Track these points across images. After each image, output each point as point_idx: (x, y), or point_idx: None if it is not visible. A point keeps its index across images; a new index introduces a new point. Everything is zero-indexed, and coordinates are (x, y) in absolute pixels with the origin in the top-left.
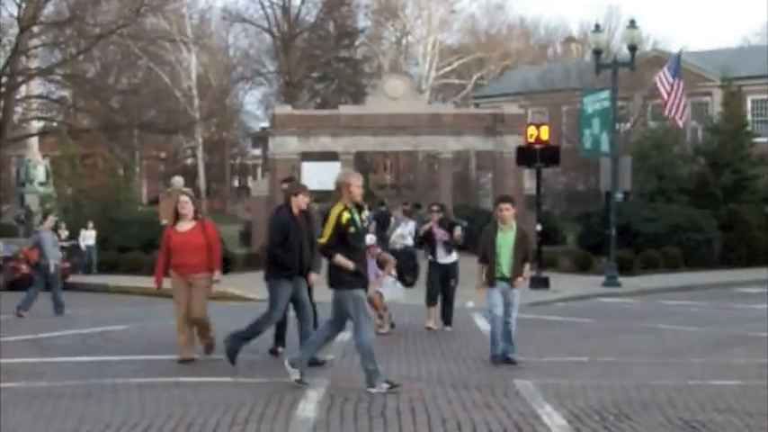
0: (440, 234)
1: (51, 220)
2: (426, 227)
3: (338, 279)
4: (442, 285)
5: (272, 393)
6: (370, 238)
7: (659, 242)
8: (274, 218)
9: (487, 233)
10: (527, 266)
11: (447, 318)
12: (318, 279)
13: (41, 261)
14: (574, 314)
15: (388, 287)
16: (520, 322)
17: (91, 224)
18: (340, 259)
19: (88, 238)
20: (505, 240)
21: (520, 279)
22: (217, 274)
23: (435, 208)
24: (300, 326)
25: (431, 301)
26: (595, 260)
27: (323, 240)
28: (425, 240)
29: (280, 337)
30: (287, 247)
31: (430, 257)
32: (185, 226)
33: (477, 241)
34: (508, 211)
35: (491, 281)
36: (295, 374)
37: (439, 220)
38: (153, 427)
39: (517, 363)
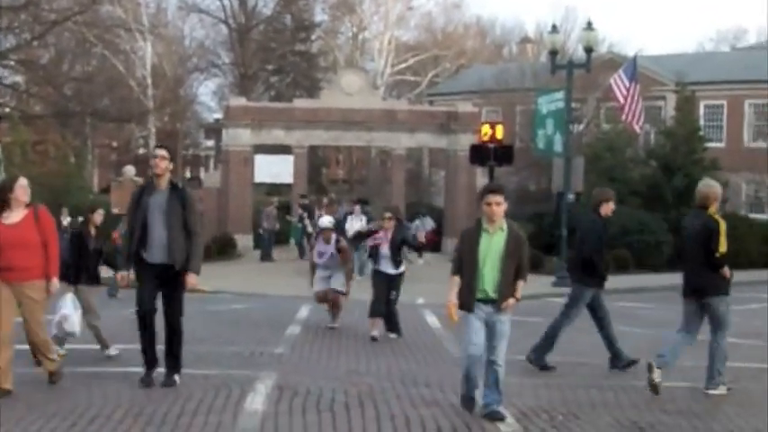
0: (384, 250)
1: None
2: (374, 242)
3: (722, 285)
4: (387, 296)
5: (221, 386)
6: (329, 221)
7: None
8: (590, 223)
9: (467, 235)
10: (521, 284)
11: (393, 325)
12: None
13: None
14: (523, 313)
15: (338, 280)
16: None
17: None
18: (727, 269)
19: None
20: (492, 246)
21: (511, 301)
22: (54, 282)
23: (388, 215)
24: (604, 328)
25: (376, 313)
26: (546, 260)
27: (724, 250)
28: (371, 248)
29: (151, 362)
30: (601, 253)
31: (374, 266)
32: (15, 216)
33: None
34: (499, 205)
35: (468, 303)
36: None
37: (392, 233)
38: (101, 417)
39: (505, 419)
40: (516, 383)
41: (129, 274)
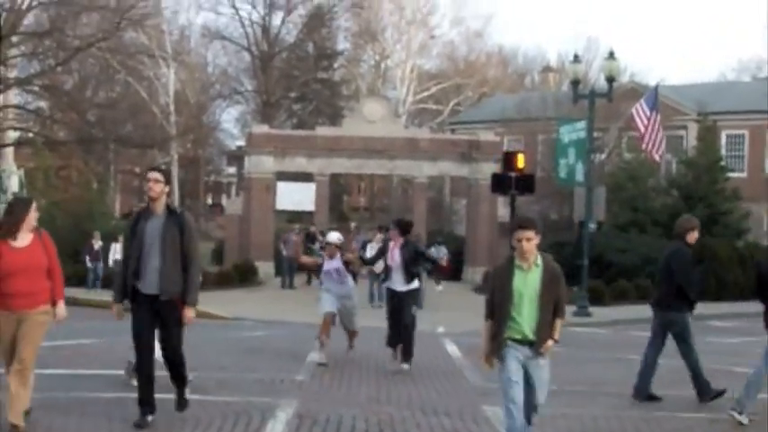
0: (396, 258)
1: None
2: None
3: None
4: (398, 317)
5: (240, 413)
6: (337, 237)
7: (631, 273)
8: (679, 253)
9: (498, 274)
10: (559, 323)
11: (405, 353)
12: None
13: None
14: None
15: (351, 315)
16: None
17: (121, 237)
18: None
19: (120, 252)
20: (527, 284)
21: (549, 343)
22: (61, 308)
23: (391, 226)
24: (653, 354)
25: (391, 342)
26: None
27: None
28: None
29: (147, 402)
30: (691, 281)
31: (385, 283)
32: (24, 240)
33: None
34: (530, 241)
35: (502, 346)
36: (744, 419)
37: (402, 244)
38: None
39: None
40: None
41: (122, 306)
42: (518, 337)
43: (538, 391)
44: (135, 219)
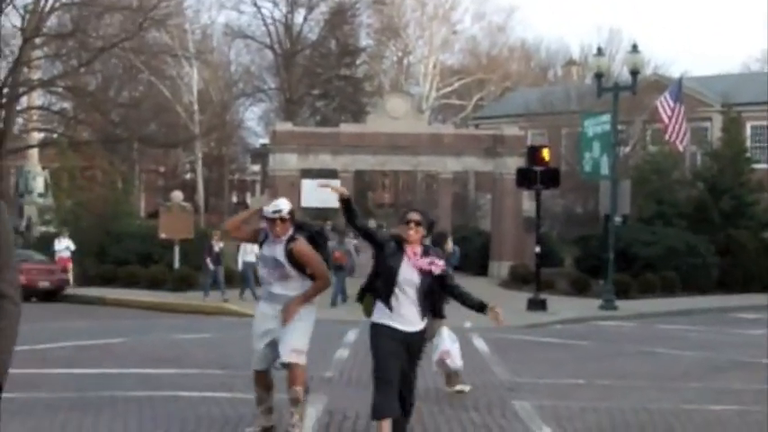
0: (414, 279)
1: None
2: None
3: None
4: (403, 366)
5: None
6: (274, 207)
7: (657, 266)
8: None
9: None
10: None
11: (409, 407)
12: None
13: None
14: (571, 337)
15: (291, 334)
16: (517, 344)
17: None
18: None
19: (250, 252)
20: None
21: None
22: None
23: (415, 218)
24: None
25: (385, 412)
26: (593, 283)
27: None
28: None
29: None
30: None
31: (377, 318)
32: None
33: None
34: None
35: None
36: None
37: (423, 248)
38: None
39: None
40: (564, 407)
41: None
42: None
43: None
44: None
